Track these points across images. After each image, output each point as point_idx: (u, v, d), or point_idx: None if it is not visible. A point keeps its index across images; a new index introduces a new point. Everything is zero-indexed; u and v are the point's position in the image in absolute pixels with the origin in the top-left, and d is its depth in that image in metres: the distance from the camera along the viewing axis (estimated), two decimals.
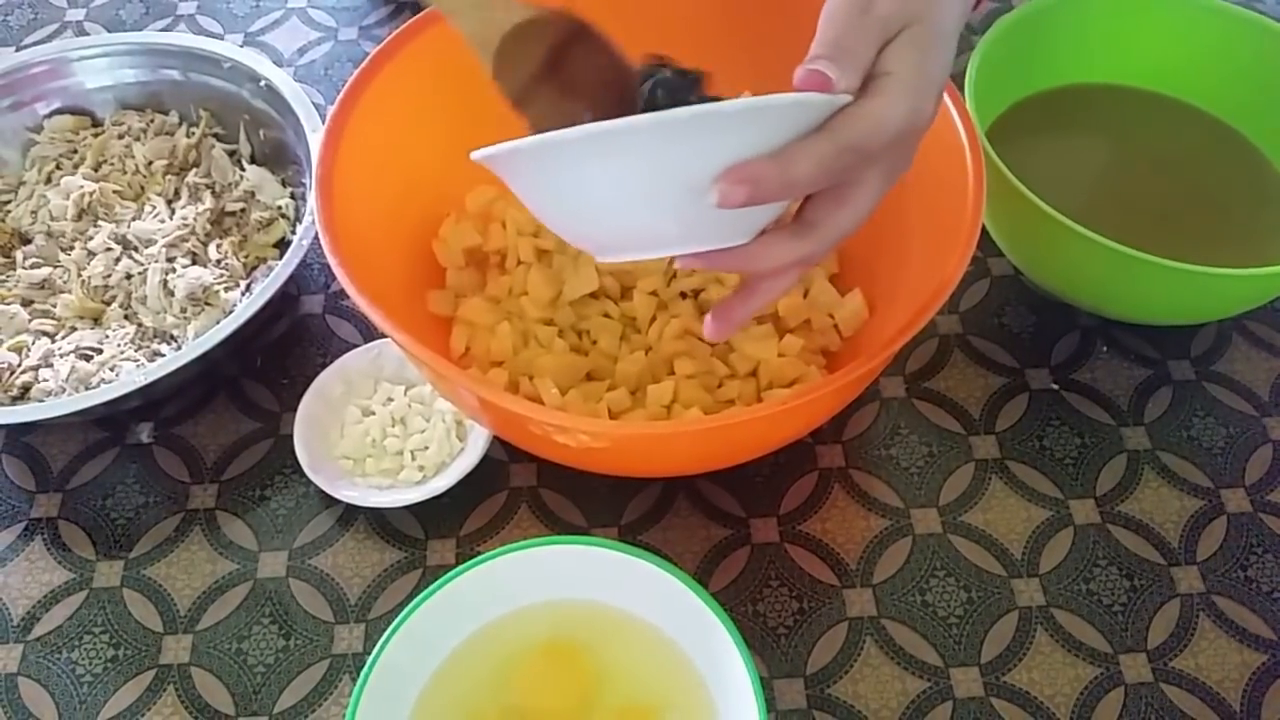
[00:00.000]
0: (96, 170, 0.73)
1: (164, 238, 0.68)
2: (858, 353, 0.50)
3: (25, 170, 0.74)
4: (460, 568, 0.49)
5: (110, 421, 0.65)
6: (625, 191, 0.40)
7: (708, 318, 0.48)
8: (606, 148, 0.38)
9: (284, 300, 0.70)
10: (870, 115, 0.40)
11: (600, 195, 0.40)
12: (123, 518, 0.62)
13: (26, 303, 0.67)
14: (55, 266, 0.68)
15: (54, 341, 0.65)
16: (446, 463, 0.62)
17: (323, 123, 0.58)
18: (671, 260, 0.60)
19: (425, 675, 0.50)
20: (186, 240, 0.68)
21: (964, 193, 0.53)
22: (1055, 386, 0.66)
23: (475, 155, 0.41)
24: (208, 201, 0.70)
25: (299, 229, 0.65)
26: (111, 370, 0.63)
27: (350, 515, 0.61)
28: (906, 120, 0.41)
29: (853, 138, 0.40)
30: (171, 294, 0.66)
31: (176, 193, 0.72)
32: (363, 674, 0.47)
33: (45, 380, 0.63)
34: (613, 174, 0.39)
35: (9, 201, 0.73)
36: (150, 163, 0.73)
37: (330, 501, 0.61)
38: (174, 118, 0.76)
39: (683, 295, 0.63)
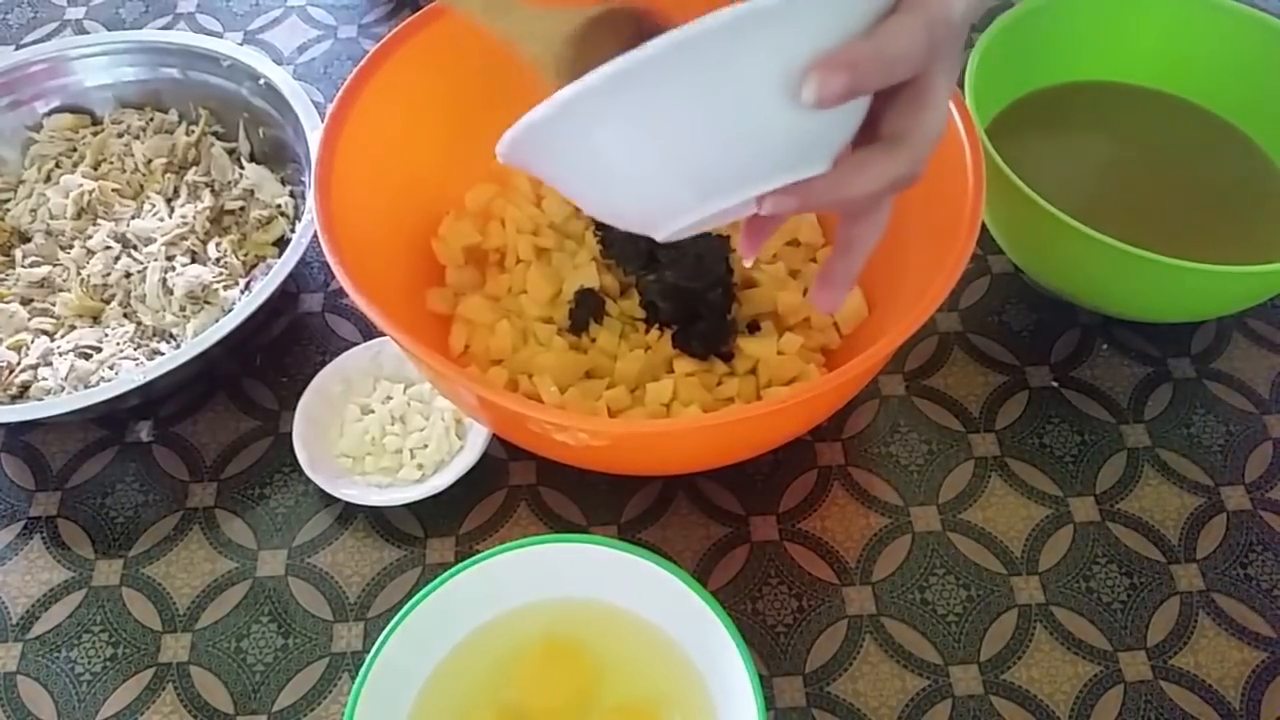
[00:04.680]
0: (96, 169, 0.73)
1: (163, 236, 0.68)
2: (857, 351, 0.50)
3: (25, 169, 0.74)
4: (459, 566, 0.49)
5: (109, 420, 0.65)
6: (697, 123, 0.35)
7: (813, 291, 0.45)
8: (678, 65, 0.33)
9: (283, 299, 0.70)
10: None
11: (670, 137, 0.35)
12: (122, 516, 0.62)
13: (26, 301, 0.67)
14: (54, 265, 0.68)
15: (53, 340, 0.65)
16: (446, 461, 0.62)
17: (322, 121, 0.58)
18: None
19: (424, 673, 0.50)
20: (186, 239, 0.68)
21: (963, 190, 0.53)
22: (1055, 384, 0.66)
23: (503, 147, 0.37)
24: (207, 200, 0.70)
25: (298, 227, 0.64)
26: (111, 369, 0.63)
27: (349, 514, 0.61)
28: None
29: (941, 12, 0.37)
30: (171, 292, 0.66)
31: (176, 191, 0.72)
32: (362, 672, 0.47)
33: (44, 379, 0.63)
34: (685, 101, 0.34)
35: (8, 200, 0.73)
36: (149, 161, 0.73)
37: (329, 500, 0.61)
38: (173, 116, 0.76)
39: None
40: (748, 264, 0.47)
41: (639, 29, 0.46)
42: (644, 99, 0.34)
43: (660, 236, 0.40)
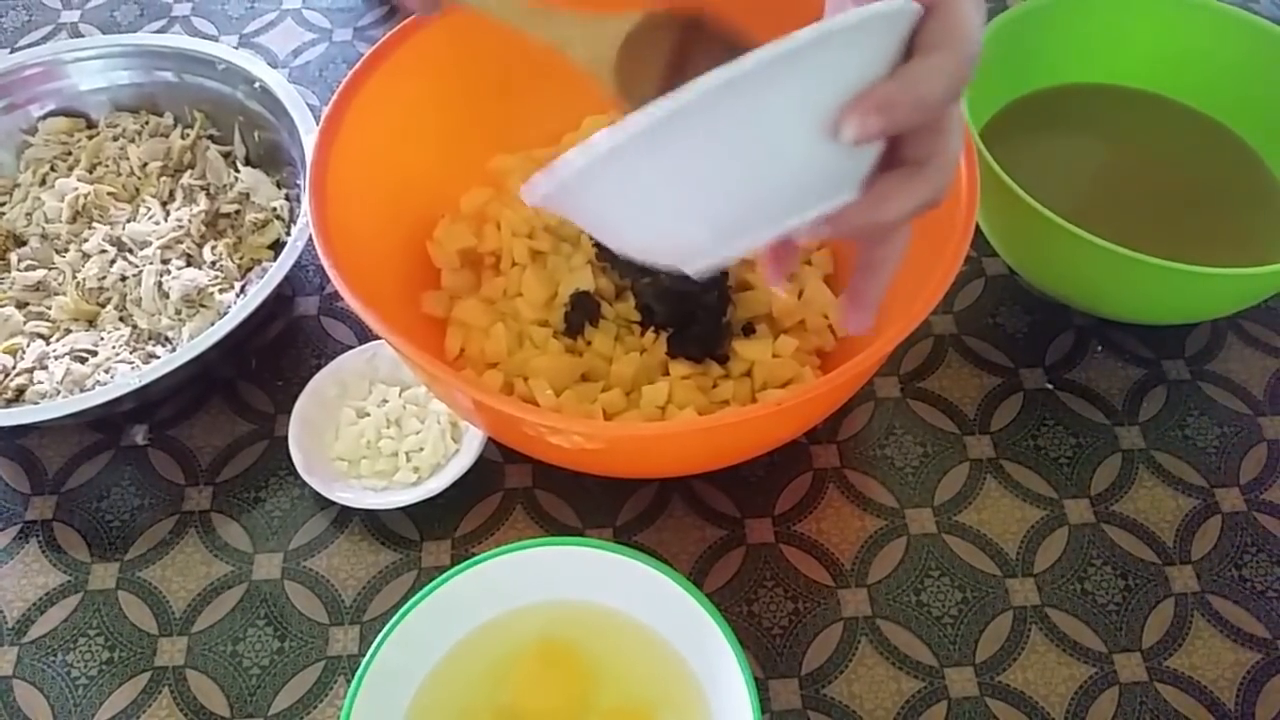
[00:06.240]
0: (91, 172, 0.73)
1: (159, 240, 0.68)
2: (852, 353, 0.50)
3: (20, 172, 0.74)
4: (455, 569, 0.49)
5: (105, 424, 0.65)
6: (733, 164, 0.35)
7: (844, 315, 0.45)
8: (711, 112, 0.33)
9: (278, 302, 0.70)
10: (967, 22, 0.38)
11: (707, 181, 0.35)
12: (118, 520, 0.62)
13: (21, 305, 0.67)
14: (50, 269, 0.68)
15: (49, 344, 0.65)
16: (441, 464, 0.62)
17: (317, 124, 0.58)
18: None
19: (420, 676, 0.50)
20: (181, 242, 0.68)
21: (958, 193, 0.53)
22: (1050, 386, 0.66)
23: (534, 196, 0.37)
24: (202, 203, 0.70)
25: (294, 231, 0.65)
26: (106, 372, 0.63)
27: (345, 517, 0.61)
28: (983, 27, 0.39)
29: (971, 50, 0.38)
30: (166, 296, 0.66)
31: (171, 194, 0.72)
32: (358, 675, 0.47)
33: (40, 383, 0.62)
34: (722, 144, 0.34)
35: (3, 204, 0.73)
36: (145, 164, 0.73)
37: (325, 503, 0.61)
38: (169, 119, 0.76)
39: None
40: (781, 293, 0.47)
41: (687, 31, 0.45)
42: (677, 147, 0.34)
43: (694, 272, 0.40)
